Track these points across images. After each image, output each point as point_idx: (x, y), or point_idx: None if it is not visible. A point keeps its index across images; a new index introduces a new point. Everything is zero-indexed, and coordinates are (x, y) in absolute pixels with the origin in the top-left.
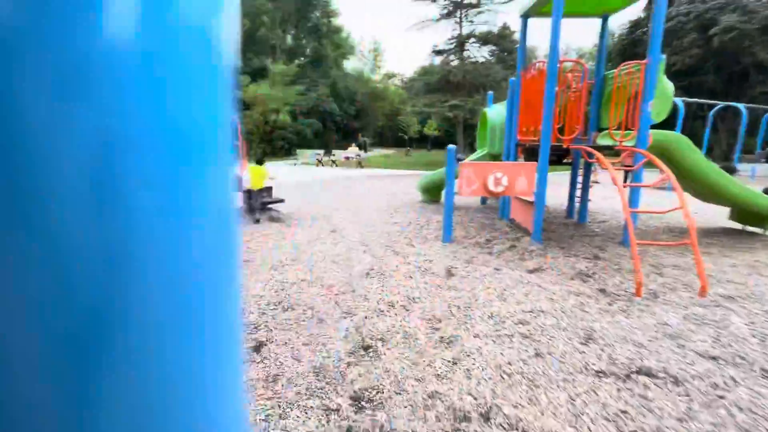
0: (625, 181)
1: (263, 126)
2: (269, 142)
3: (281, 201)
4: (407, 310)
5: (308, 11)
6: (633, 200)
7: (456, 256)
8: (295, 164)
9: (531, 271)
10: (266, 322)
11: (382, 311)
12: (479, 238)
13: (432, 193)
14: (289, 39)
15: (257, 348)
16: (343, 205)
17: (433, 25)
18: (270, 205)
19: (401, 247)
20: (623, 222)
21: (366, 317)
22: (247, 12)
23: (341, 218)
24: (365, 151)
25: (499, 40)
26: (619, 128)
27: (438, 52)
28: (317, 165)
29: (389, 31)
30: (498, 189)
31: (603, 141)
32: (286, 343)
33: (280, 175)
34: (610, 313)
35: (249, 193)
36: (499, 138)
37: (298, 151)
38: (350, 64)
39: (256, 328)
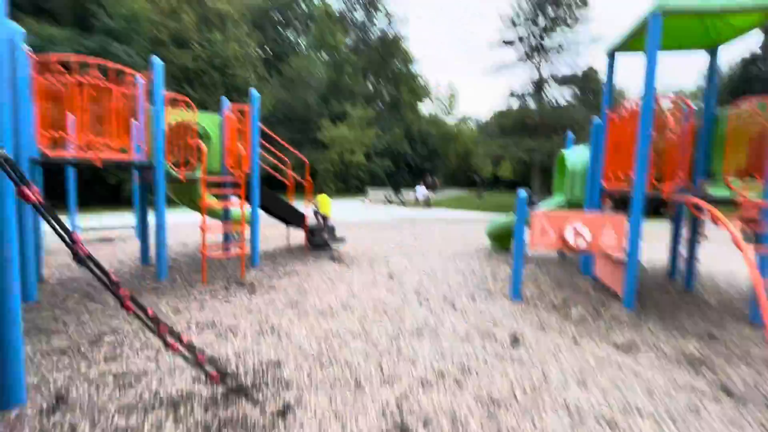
0: (752, 241)
1: (339, 165)
2: (343, 180)
3: (343, 241)
4: (459, 386)
5: (388, 60)
6: (763, 267)
7: (525, 318)
8: (363, 201)
9: (621, 348)
10: (300, 379)
11: (430, 383)
12: (555, 297)
13: (502, 240)
14: (369, 85)
15: (283, 413)
16: (406, 247)
17: (511, 69)
18: (331, 244)
19: (462, 301)
20: (747, 292)
21: (410, 388)
22: (333, 63)
23: (401, 263)
24: (434, 191)
25: (584, 81)
26: (737, 176)
27: (514, 95)
28: (385, 204)
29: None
30: (578, 243)
31: (716, 191)
32: (315, 411)
33: (346, 212)
34: (742, 429)
35: (322, 218)
36: (579, 184)
37: (369, 189)
38: (425, 108)
39: (287, 385)
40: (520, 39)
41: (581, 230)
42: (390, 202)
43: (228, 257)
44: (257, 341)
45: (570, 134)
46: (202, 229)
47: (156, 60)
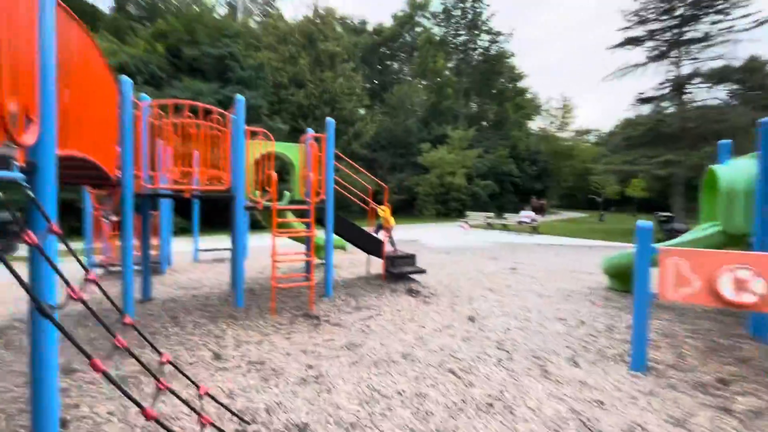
0: None
1: (438, 188)
2: (443, 203)
3: (422, 272)
4: None
5: (492, 79)
6: None
7: (652, 402)
8: (462, 227)
9: None
10: None
11: None
12: (704, 372)
13: (626, 279)
14: (472, 106)
15: None
16: (499, 282)
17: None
18: (410, 275)
19: (557, 364)
20: None
21: None
22: (434, 87)
23: (489, 301)
24: (542, 213)
25: (744, 74)
26: None
27: (644, 100)
28: (486, 228)
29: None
30: (743, 298)
31: None
32: None
33: (442, 237)
34: None
35: (386, 232)
36: (741, 208)
37: (467, 213)
38: (535, 124)
39: None
40: (651, 34)
41: (748, 279)
42: (491, 226)
43: (298, 286)
44: (295, 392)
45: (724, 143)
46: (273, 260)
47: (239, 97)
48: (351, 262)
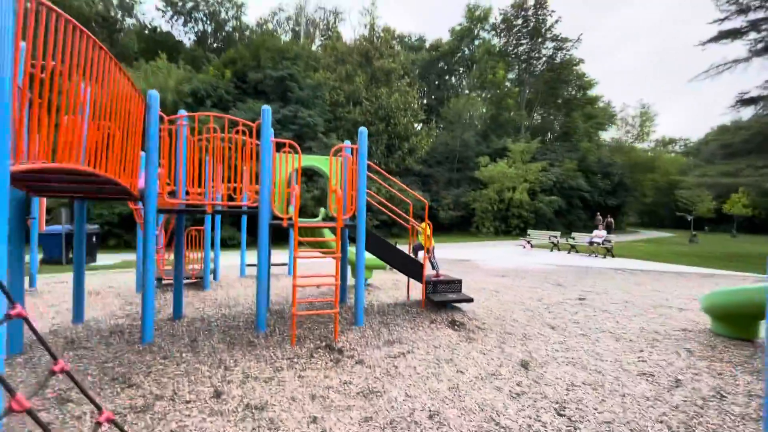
0: None
1: (497, 204)
2: (503, 220)
3: (468, 300)
4: None
5: (558, 88)
6: None
7: None
8: (523, 247)
9: None
10: None
11: None
12: None
13: (737, 324)
14: (536, 117)
15: None
16: (563, 316)
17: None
18: (454, 303)
19: None
20: None
21: None
22: (493, 99)
23: (549, 342)
24: (609, 231)
25: None
26: None
27: (748, 101)
28: (551, 249)
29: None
30: None
31: None
32: None
33: (499, 258)
34: None
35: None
36: None
37: (530, 231)
38: (607, 134)
39: None
40: (755, 24)
41: None
42: (556, 246)
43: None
44: None
45: None
46: (294, 284)
47: (265, 107)
48: (394, 283)
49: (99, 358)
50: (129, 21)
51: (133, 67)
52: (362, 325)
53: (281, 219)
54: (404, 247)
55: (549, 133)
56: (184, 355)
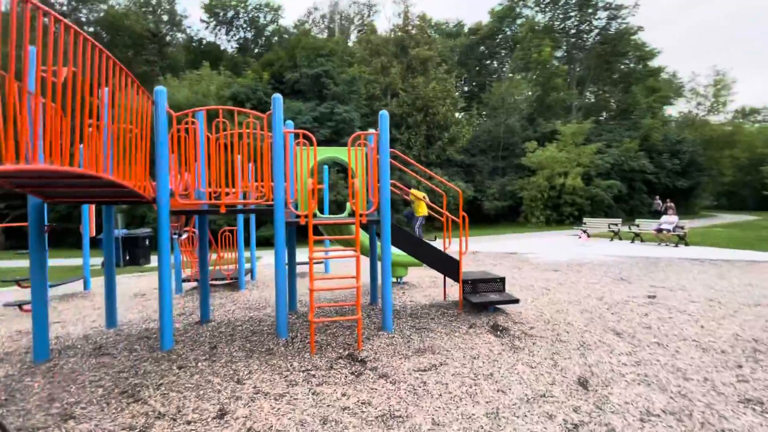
0: None
1: (547, 191)
2: (554, 209)
3: (514, 302)
4: None
5: (613, 61)
6: None
7: None
8: (579, 237)
9: None
10: None
11: None
12: None
13: None
14: (588, 95)
15: None
16: (631, 319)
17: None
18: (497, 305)
19: None
20: None
21: None
22: (539, 79)
23: (614, 353)
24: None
25: None
26: None
27: None
28: (611, 239)
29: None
30: None
31: None
32: None
33: (548, 249)
34: None
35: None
36: None
37: (585, 219)
38: (675, 109)
39: None
40: None
41: None
42: (617, 235)
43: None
44: None
45: None
46: (311, 289)
47: (276, 96)
48: (433, 280)
49: (118, 366)
50: (179, 35)
51: (179, 78)
52: (391, 331)
53: (297, 217)
54: (438, 244)
55: (604, 112)
56: (199, 364)
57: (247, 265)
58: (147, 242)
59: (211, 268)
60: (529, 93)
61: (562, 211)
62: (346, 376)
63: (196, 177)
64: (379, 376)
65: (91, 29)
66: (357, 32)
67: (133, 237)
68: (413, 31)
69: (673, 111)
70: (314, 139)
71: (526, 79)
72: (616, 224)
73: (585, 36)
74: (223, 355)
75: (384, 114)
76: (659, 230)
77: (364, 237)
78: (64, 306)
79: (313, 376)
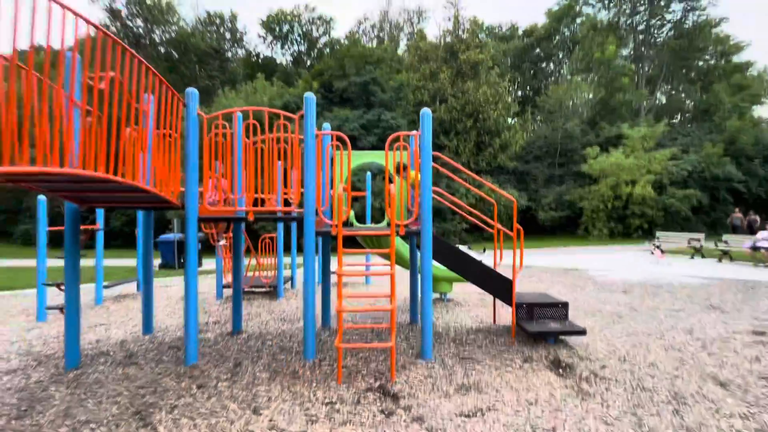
0: None
1: (611, 201)
2: (620, 221)
3: (580, 332)
4: None
5: (691, 58)
6: None
7: None
8: (652, 253)
9: None
10: None
11: None
12: None
13: None
14: (660, 95)
15: None
16: (738, 363)
17: None
18: (559, 335)
19: None
20: None
21: None
22: (602, 80)
23: (722, 412)
24: (751, 232)
25: None
26: None
27: None
28: (692, 256)
29: None
30: None
31: None
32: None
33: (614, 266)
34: None
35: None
36: None
37: (659, 233)
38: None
39: None
40: None
41: None
42: (699, 252)
43: (372, 347)
44: None
45: None
46: (339, 311)
47: (308, 95)
48: (481, 298)
49: (140, 379)
50: (239, 51)
51: (236, 90)
52: (430, 359)
53: (330, 226)
54: (488, 260)
55: (679, 114)
56: (219, 384)
57: (288, 273)
58: (199, 246)
59: (251, 274)
60: (590, 95)
61: (628, 224)
62: (374, 415)
63: (232, 183)
64: (413, 419)
65: (162, 49)
66: (406, 40)
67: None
68: (464, 35)
69: (765, 112)
70: (349, 142)
71: (586, 81)
72: (698, 240)
73: (656, 32)
74: (246, 375)
75: (426, 112)
76: (755, 248)
77: (404, 249)
78: (115, 307)
79: (337, 411)
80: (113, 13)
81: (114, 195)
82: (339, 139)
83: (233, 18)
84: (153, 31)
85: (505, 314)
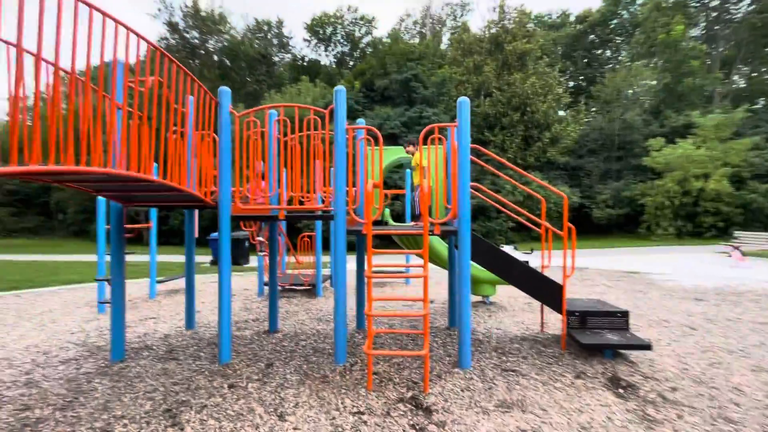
0: None
1: (679, 197)
2: (689, 219)
3: (644, 347)
4: None
5: None
6: None
7: None
8: (729, 255)
9: None
10: None
11: None
12: None
13: None
14: (737, 78)
15: None
16: None
17: None
18: (618, 349)
19: None
20: None
21: None
22: (667, 64)
23: None
24: None
25: None
26: None
27: None
28: None
29: None
30: None
31: None
32: None
33: (683, 270)
34: None
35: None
36: None
37: (737, 233)
38: None
39: None
40: None
41: None
42: None
43: (404, 355)
44: None
45: None
46: (368, 314)
47: (339, 88)
48: (527, 301)
49: (177, 375)
50: (286, 56)
51: (281, 92)
52: (469, 368)
53: (360, 225)
54: (535, 262)
55: (761, 99)
56: (250, 385)
57: (328, 271)
58: (246, 244)
59: (290, 272)
60: (653, 82)
61: (699, 222)
62: (404, 430)
63: (270, 181)
64: None
65: (216, 57)
66: (450, 34)
67: (234, 239)
68: (510, 25)
69: None
70: (380, 136)
71: (649, 66)
72: None
73: (732, 8)
74: (276, 377)
75: (463, 101)
76: None
77: (443, 247)
78: (167, 301)
79: (365, 423)
80: (172, 27)
81: (151, 194)
82: (370, 133)
83: (279, 24)
84: (207, 41)
85: (555, 321)
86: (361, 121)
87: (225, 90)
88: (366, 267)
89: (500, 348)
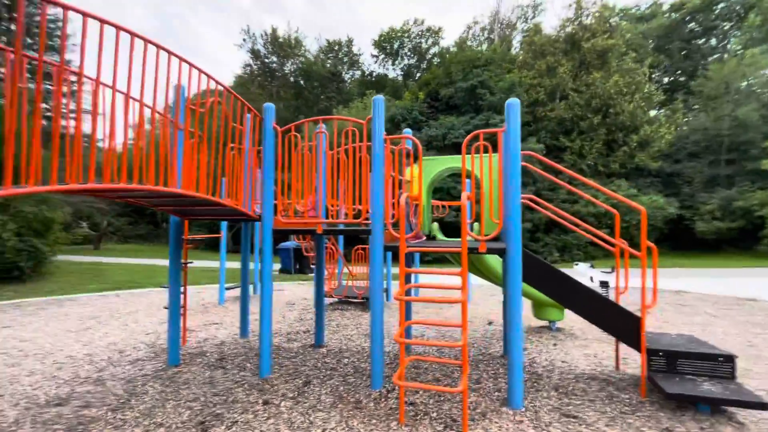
0: None
1: None
2: None
3: (758, 406)
4: None
5: None
6: None
7: None
8: None
9: None
10: None
11: None
12: None
13: None
14: None
15: None
16: None
17: None
18: (721, 404)
19: None
20: None
21: None
22: None
23: None
24: None
25: None
26: None
27: None
28: None
29: None
30: None
31: None
32: None
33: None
34: None
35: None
36: None
37: None
38: None
39: None
40: None
41: None
42: None
43: (438, 390)
44: None
45: None
46: (400, 341)
47: (377, 98)
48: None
49: (219, 386)
50: (355, 73)
51: (348, 107)
52: (520, 408)
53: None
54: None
55: None
56: (283, 404)
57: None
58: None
59: (344, 284)
60: None
61: None
62: None
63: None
64: None
65: (292, 79)
66: (521, 36)
67: (299, 249)
68: (588, 21)
69: None
70: (420, 146)
71: (767, 54)
72: None
73: None
74: (311, 396)
75: (512, 103)
76: None
77: (497, 263)
78: (233, 307)
79: None
80: (254, 54)
81: (202, 209)
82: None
83: (349, 42)
84: (285, 64)
85: (637, 356)
86: (407, 131)
87: (269, 106)
88: (399, 287)
89: (562, 387)
